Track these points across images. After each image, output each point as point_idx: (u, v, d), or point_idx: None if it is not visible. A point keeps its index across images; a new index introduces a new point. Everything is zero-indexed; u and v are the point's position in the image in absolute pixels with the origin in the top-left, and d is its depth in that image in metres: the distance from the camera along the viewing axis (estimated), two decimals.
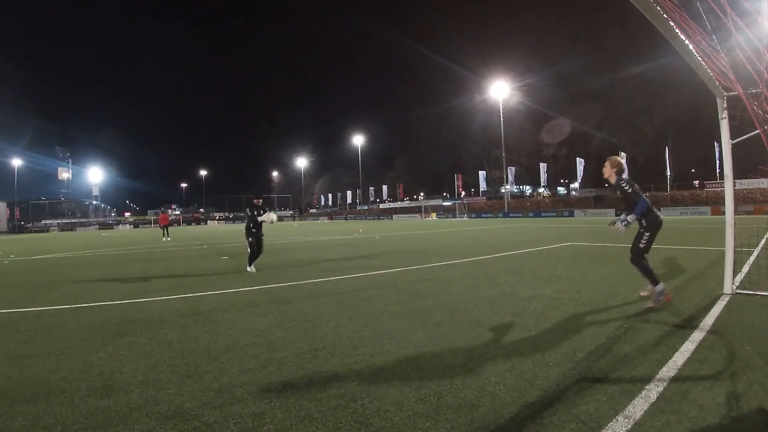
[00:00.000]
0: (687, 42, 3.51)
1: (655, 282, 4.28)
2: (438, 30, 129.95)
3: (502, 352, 3.08)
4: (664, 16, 3.11)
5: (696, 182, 45.70)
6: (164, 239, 21.75)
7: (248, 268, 7.98)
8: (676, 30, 3.32)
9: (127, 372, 3.00)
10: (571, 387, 2.44)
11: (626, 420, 2.03)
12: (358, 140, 78.95)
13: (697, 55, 3.69)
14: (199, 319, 4.49)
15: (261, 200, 8.28)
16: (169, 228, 24.00)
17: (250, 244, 8.04)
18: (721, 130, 4.34)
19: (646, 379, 2.50)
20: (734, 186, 4.72)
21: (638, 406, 2.16)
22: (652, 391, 2.33)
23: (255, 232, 8.03)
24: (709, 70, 3.76)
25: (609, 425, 1.99)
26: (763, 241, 8.47)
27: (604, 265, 7.13)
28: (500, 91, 51.73)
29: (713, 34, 3.34)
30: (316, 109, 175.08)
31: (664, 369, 2.64)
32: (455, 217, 53.28)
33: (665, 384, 2.43)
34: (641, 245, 4.34)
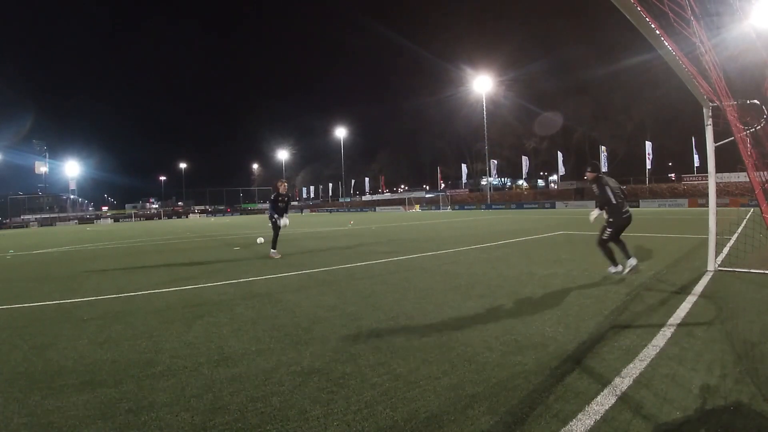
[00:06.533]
0: (680, 61, 4.31)
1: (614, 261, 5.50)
2: (421, 23, 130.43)
3: (545, 315, 3.82)
4: (658, 33, 3.76)
5: (672, 176, 47.01)
6: None
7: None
8: (671, 49, 4.07)
9: (235, 345, 3.17)
10: (607, 331, 3.28)
11: (654, 347, 2.88)
12: (341, 132, 79.22)
13: (688, 70, 4.49)
14: (264, 300, 4.78)
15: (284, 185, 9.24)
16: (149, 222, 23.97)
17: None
18: (706, 135, 5.24)
19: (660, 325, 3.37)
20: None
21: (659, 340, 3.02)
22: (666, 332, 3.20)
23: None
24: (699, 87, 4.61)
25: (642, 352, 2.82)
26: (740, 229, 9.73)
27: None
28: (483, 84, 52.93)
29: (709, 49, 4.12)
30: (298, 101, 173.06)
31: (672, 318, 3.54)
32: (439, 209, 54.42)
33: (674, 328, 3.30)
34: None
